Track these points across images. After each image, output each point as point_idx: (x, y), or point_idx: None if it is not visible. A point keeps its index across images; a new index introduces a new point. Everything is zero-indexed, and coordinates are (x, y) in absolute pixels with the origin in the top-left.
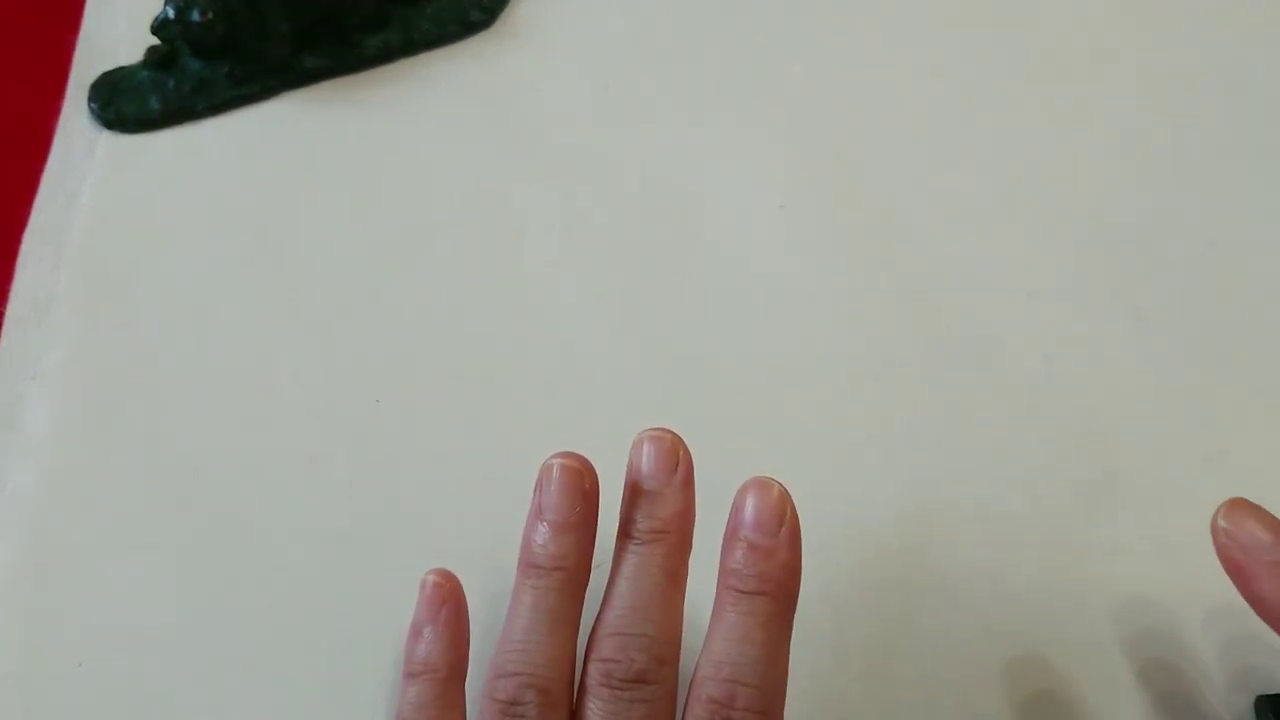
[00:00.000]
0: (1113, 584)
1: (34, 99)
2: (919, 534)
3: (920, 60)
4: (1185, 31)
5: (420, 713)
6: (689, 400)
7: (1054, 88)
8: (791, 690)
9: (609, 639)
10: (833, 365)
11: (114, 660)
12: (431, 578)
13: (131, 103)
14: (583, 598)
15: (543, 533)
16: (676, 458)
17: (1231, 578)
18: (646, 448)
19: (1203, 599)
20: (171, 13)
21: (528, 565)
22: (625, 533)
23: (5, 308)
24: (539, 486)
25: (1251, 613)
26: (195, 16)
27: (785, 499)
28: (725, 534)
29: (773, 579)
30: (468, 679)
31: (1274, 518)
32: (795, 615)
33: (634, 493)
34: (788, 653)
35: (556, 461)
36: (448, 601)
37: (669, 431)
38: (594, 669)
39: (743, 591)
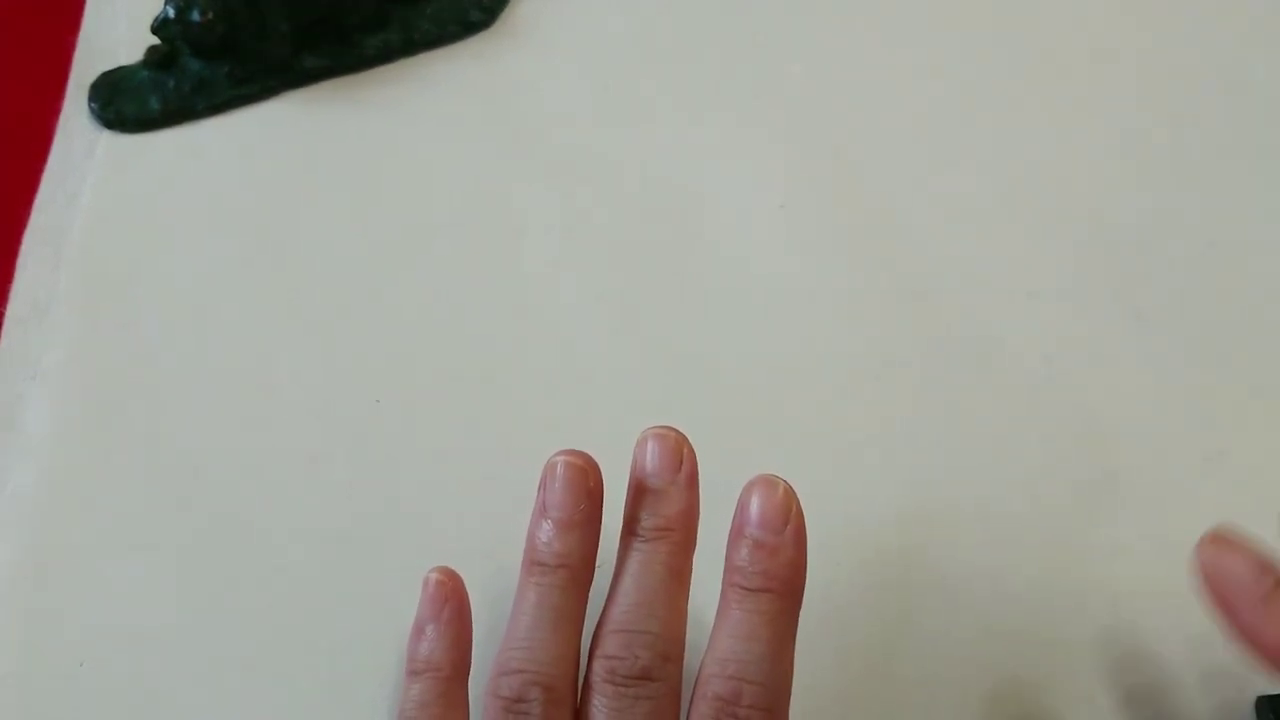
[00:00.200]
0: (1113, 584)
1: (34, 99)
2: (919, 534)
3: (920, 60)
4: (1185, 31)
5: (423, 711)
6: (689, 400)
7: (1054, 88)
8: (793, 689)
9: (613, 636)
10: (833, 365)
11: (114, 660)
12: (434, 575)
13: (131, 103)
14: (587, 596)
15: (547, 530)
16: (680, 455)
17: (1214, 614)
18: (651, 445)
19: (1203, 599)
20: (171, 13)
21: (532, 563)
22: (630, 530)
23: (5, 308)
24: (543, 484)
25: None
26: (195, 16)
27: (791, 496)
28: (730, 532)
29: (778, 576)
30: (470, 678)
31: (1254, 551)
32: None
33: (638, 491)
34: (793, 651)
35: (561, 459)
36: (450, 600)
37: (673, 429)
38: (598, 665)
39: (748, 589)
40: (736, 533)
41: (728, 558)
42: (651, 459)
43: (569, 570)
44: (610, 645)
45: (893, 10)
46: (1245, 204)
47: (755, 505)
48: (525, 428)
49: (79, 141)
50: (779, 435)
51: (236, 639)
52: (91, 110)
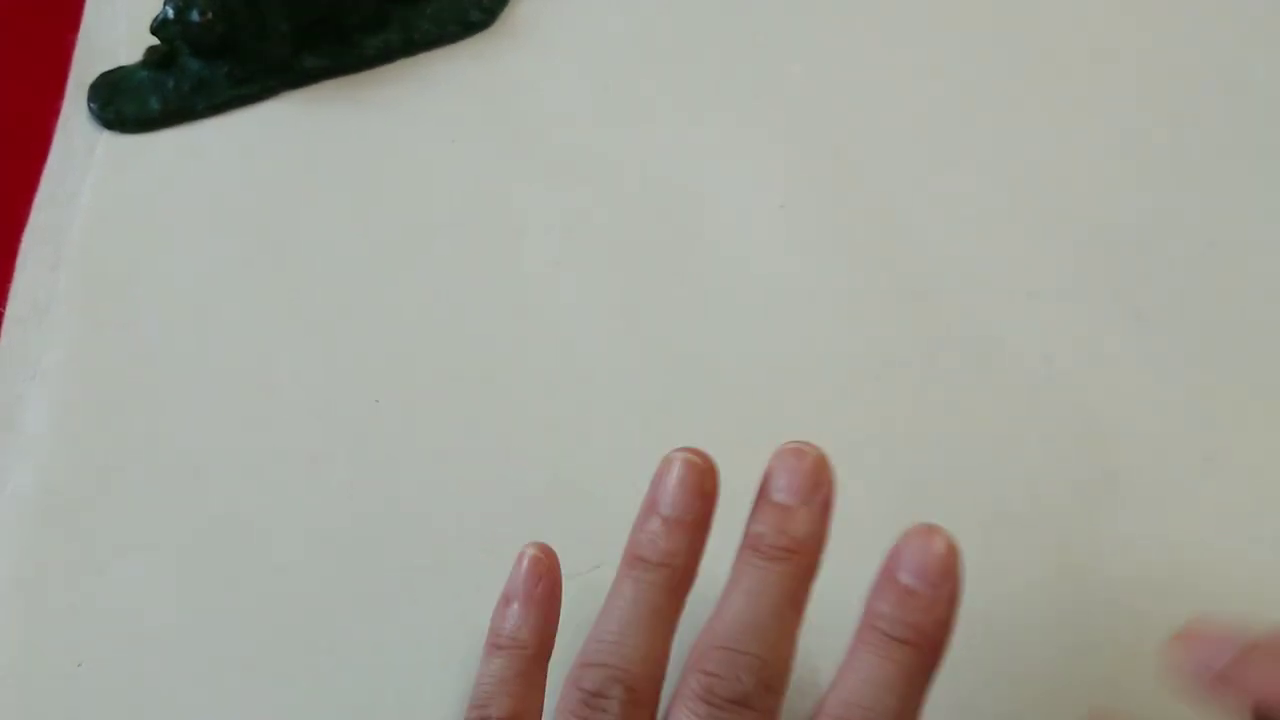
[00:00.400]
0: (1113, 584)
1: (34, 99)
2: None
3: (920, 60)
4: (1185, 31)
5: (501, 687)
6: (689, 400)
7: (1054, 88)
8: (790, 691)
9: (716, 651)
10: (833, 365)
11: (114, 660)
12: (531, 550)
13: (131, 103)
14: (684, 602)
15: (655, 526)
16: (820, 477)
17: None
18: (790, 461)
19: (1203, 599)
20: (171, 13)
21: (634, 557)
22: (750, 545)
23: (5, 308)
24: (657, 479)
25: (1251, 613)
26: (195, 16)
27: (954, 554)
28: (880, 572)
29: (926, 632)
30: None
31: (1222, 632)
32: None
33: (767, 505)
34: (921, 716)
35: (680, 456)
36: (545, 578)
37: (814, 447)
38: (695, 680)
39: (891, 637)
40: (887, 575)
41: (871, 600)
42: (789, 475)
43: (671, 570)
44: (712, 661)
45: (893, 10)
46: (1245, 204)
47: (913, 551)
48: (525, 428)
49: (79, 141)
50: (778, 435)
51: (236, 639)
52: (91, 110)
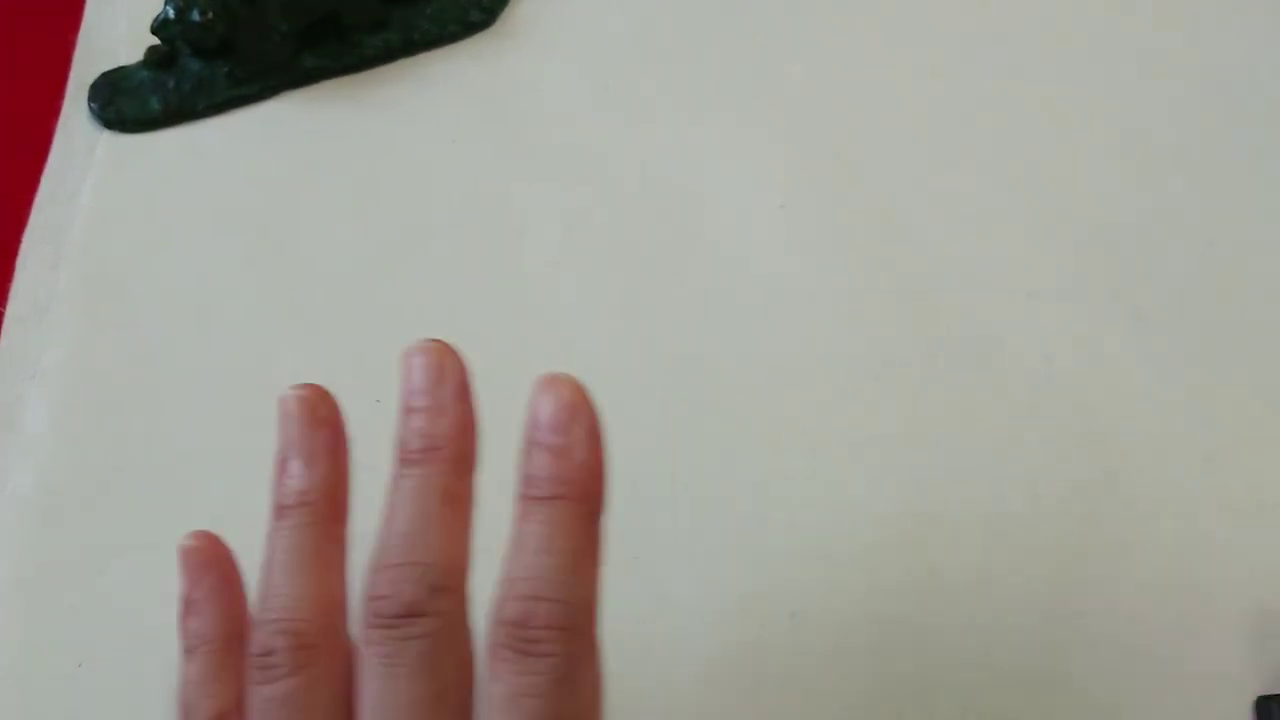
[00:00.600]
0: (1113, 584)
1: (34, 99)
2: (919, 534)
3: (920, 60)
4: (1185, 31)
5: (202, 690)
6: (688, 400)
7: (1054, 88)
8: (791, 691)
9: (377, 574)
10: (832, 365)
11: (113, 660)
12: (189, 543)
13: (131, 103)
14: (343, 534)
15: (286, 471)
16: (444, 368)
17: None
18: (413, 361)
19: (1203, 599)
20: (171, 13)
21: (275, 509)
22: (398, 457)
23: (5, 308)
24: (278, 429)
25: (1251, 613)
26: (195, 16)
27: (579, 393)
28: (522, 444)
29: (569, 480)
30: None
31: None
32: (604, 520)
33: (404, 413)
34: (597, 562)
35: (289, 394)
36: (210, 566)
37: (436, 340)
38: (364, 609)
39: (537, 498)
40: (525, 442)
41: (519, 471)
42: (414, 376)
43: (310, 508)
44: (373, 584)
45: (893, 10)
46: (1245, 204)
47: (541, 408)
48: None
49: (79, 141)
50: (778, 435)
51: None
52: (91, 110)
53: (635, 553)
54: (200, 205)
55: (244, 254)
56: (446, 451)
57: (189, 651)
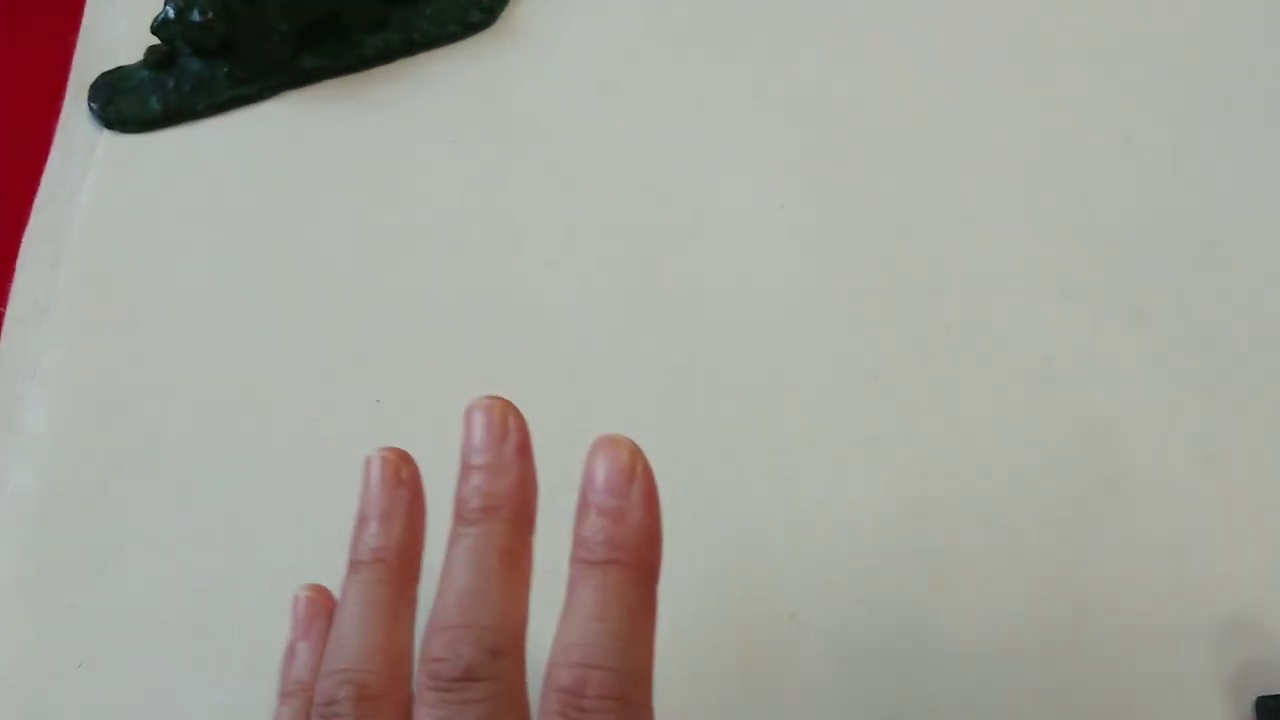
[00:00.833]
0: (1113, 584)
1: (34, 99)
2: (919, 534)
3: (921, 60)
4: (1185, 31)
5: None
6: (688, 400)
7: (1054, 88)
8: (791, 691)
9: (436, 635)
10: (832, 365)
11: (113, 660)
12: (304, 594)
13: (131, 103)
14: (413, 590)
15: (363, 529)
16: (507, 426)
17: None
18: (474, 418)
19: (1203, 599)
20: (171, 13)
21: (350, 564)
22: (456, 515)
23: (5, 308)
24: (361, 486)
25: (1251, 613)
26: (195, 16)
27: (636, 456)
28: (577, 506)
29: (624, 545)
30: None
31: None
32: (658, 586)
33: (464, 470)
34: (651, 629)
35: (373, 457)
36: (319, 616)
37: (498, 399)
38: (422, 671)
39: (592, 562)
40: (580, 504)
41: (573, 534)
42: (475, 434)
43: (384, 564)
44: (432, 646)
45: (893, 10)
46: (1245, 204)
47: (597, 470)
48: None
49: (79, 141)
50: (778, 435)
51: (236, 639)
52: (91, 110)
53: None
54: (200, 205)
55: (244, 254)
56: (506, 511)
57: (285, 696)
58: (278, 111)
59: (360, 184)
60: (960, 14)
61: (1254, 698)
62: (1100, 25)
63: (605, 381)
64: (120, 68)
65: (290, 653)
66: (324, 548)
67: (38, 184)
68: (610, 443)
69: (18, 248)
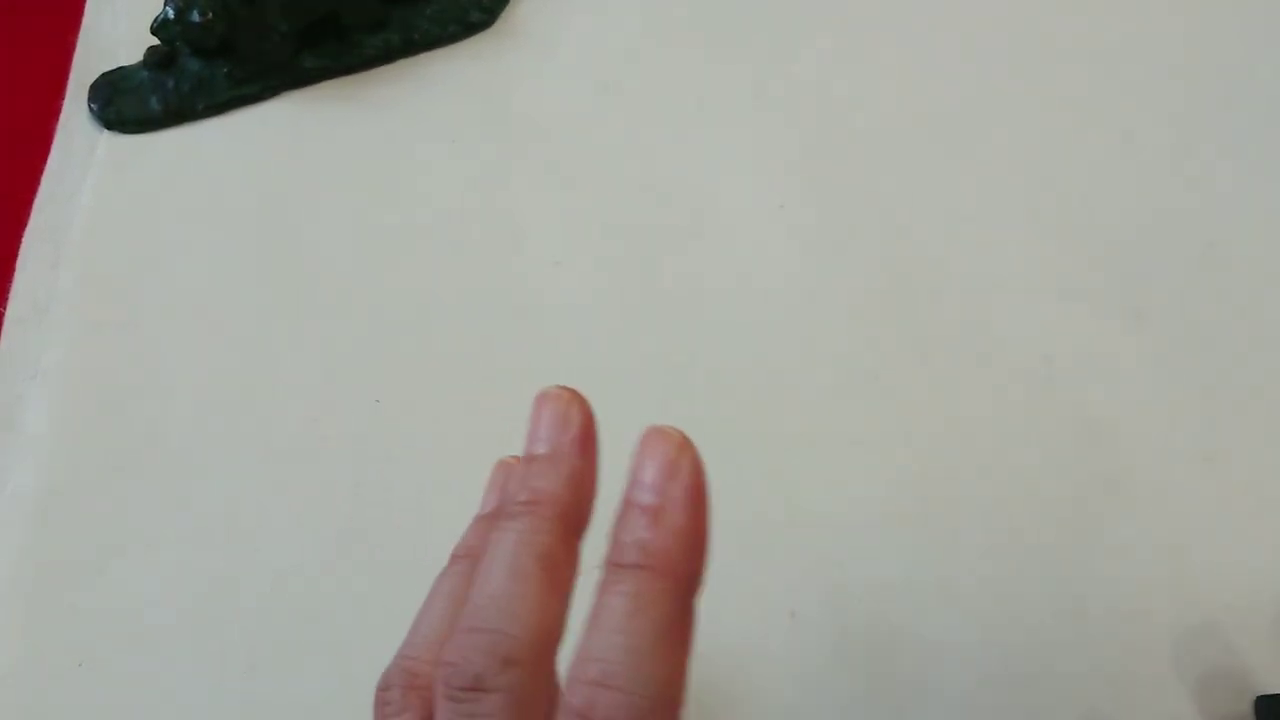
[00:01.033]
0: (1113, 584)
1: (34, 99)
2: (918, 533)
3: (921, 60)
4: (1185, 31)
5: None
6: (688, 399)
7: (1054, 88)
8: (791, 691)
9: (455, 635)
10: (832, 364)
11: (113, 660)
12: (555, 391)
13: (131, 103)
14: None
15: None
16: (569, 417)
17: None
18: (538, 408)
19: (1203, 599)
20: (171, 13)
21: (498, 513)
22: (492, 514)
23: (5, 308)
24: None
25: (1251, 613)
26: (195, 17)
27: (684, 450)
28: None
29: (657, 549)
30: None
31: None
32: (698, 598)
33: (520, 463)
34: (683, 645)
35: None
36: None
37: (566, 389)
38: (436, 671)
39: (622, 565)
40: (623, 502)
41: (610, 534)
42: (535, 424)
43: (550, 505)
44: (448, 647)
45: (893, 11)
46: (1245, 204)
47: (641, 465)
48: (525, 427)
49: (79, 141)
50: (778, 435)
51: (236, 639)
52: (91, 110)
53: None
54: (200, 205)
55: (244, 253)
56: (550, 508)
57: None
58: (278, 111)
59: (360, 184)
60: (960, 14)
61: (1254, 698)
62: (1100, 25)
63: (605, 381)
64: (120, 68)
65: (525, 463)
66: (324, 548)
67: (38, 184)
68: (656, 434)
69: (18, 248)
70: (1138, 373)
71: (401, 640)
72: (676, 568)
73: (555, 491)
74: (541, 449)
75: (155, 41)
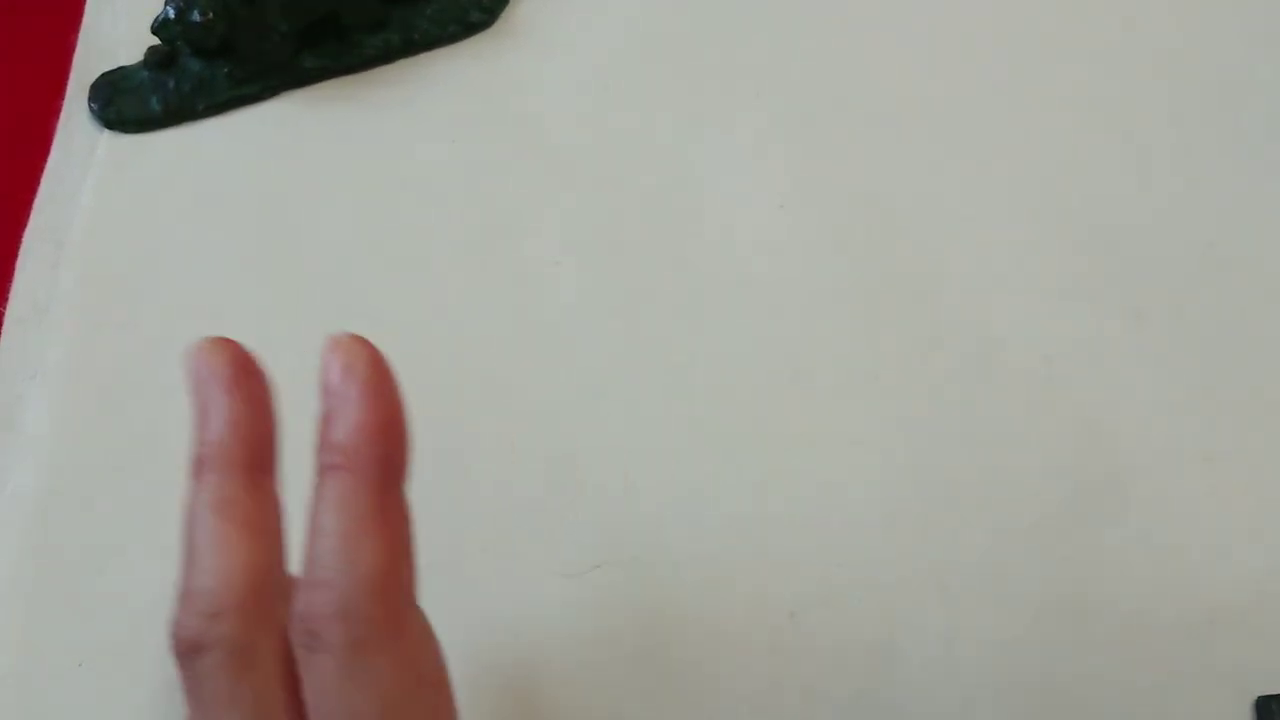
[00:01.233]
0: (1113, 584)
1: (34, 99)
2: (918, 534)
3: (921, 60)
4: (1185, 31)
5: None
6: (687, 400)
7: (1055, 87)
8: (790, 691)
9: (175, 609)
10: (832, 365)
11: (114, 660)
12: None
13: (131, 103)
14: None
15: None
16: (214, 367)
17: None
18: (189, 369)
19: (1203, 599)
20: (171, 13)
21: (191, 472)
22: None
23: (5, 308)
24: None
25: (1251, 613)
26: (195, 16)
27: (356, 351)
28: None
29: (347, 448)
30: None
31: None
32: (399, 486)
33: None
34: (389, 532)
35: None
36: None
37: (208, 339)
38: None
39: (321, 472)
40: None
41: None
42: (192, 381)
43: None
44: (172, 623)
45: (893, 10)
46: (1245, 204)
47: (323, 374)
48: (525, 427)
49: (79, 141)
50: (777, 435)
51: None
52: (91, 110)
53: (634, 553)
54: (200, 205)
55: (244, 254)
56: (219, 460)
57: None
58: (278, 111)
59: (360, 184)
60: (960, 14)
61: (1254, 698)
62: (1100, 25)
63: (605, 381)
64: (120, 68)
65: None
66: None
67: (38, 184)
68: (331, 343)
69: (18, 248)
70: (1138, 373)
71: None
72: (368, 462)
73: (219, 441)
74: (199, 402)
75: (155, 41)
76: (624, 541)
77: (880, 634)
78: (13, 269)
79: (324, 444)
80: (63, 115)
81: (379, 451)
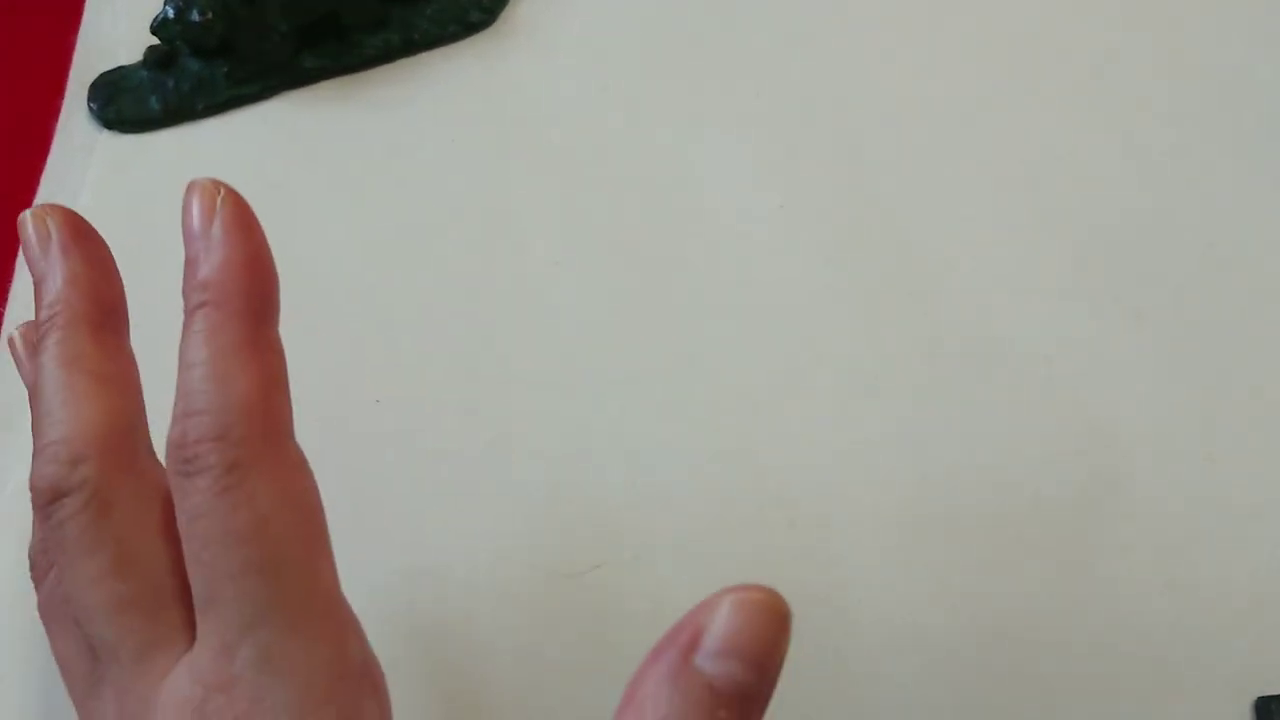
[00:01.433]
0: (1113, 585)
1: (34, 99)
2: (918, 534)
3: (920, 60)
4: (1185, 31)
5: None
6: (687, 400)
7: (1055, 88)
8: (789, 691)
9: (32, 464)
10: (832, 365)
11: None
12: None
13: (131, 102)
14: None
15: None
16: (47, 232)
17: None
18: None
19: (1203, 599)
20: (171, 13)
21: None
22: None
23: (5, 308)
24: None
25: (1251, 613)
26: (195, 16)
27: (213, 192)
28: None
29: (212, 284)
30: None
31: None
32: (265, 319)
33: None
34: (260, 363)
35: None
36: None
37: (39, 207)
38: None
39: (189, 311)
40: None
41: None
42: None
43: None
44: (30, 477)
45: (893, 10)
46: (1245, 204)
47: (184, 218)
48: (525, 427)
49: (79, 141)
50: (777, 436)
51: None
52: (91, 110)
53: (634, 553)
54: None
55: None
56: (62, 316)
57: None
58: (278, 111)
59: (360, 184)
60: (961, 14)
61: (1254, 698)
62: (1100, 25)
63: (605, 381)
64: (120, 68)
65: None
66: None
67: (38, 184)
68: (190, 187)
69: (18, 248)
70: (1138, 373)
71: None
72: (235, 297)
73: (61, 299)
74: (36, 271)
75: (155, 41)
76: (624, 541)
77: (881, 633)
78: (13, 269)
79: (189, 286)
80: (62, 115)
81: (246, 287)
